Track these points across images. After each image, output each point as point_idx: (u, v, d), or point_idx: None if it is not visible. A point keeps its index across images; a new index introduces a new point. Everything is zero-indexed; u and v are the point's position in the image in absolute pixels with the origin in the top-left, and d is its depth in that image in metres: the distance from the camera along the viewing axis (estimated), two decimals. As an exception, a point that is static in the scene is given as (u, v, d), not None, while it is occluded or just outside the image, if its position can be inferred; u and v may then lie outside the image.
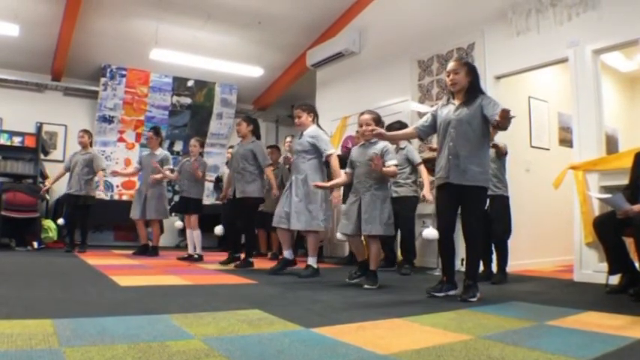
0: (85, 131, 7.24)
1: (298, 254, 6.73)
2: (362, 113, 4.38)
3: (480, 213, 3.58)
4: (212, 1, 7.52)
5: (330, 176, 5.02)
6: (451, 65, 3.61)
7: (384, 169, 4.06)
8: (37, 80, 8.73)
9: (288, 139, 7.07)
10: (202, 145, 6.73)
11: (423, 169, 5.48)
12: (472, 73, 3.59)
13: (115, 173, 7.37)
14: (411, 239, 5.52)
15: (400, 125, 5.68)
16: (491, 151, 4.52)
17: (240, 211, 5.63)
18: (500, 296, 3.62)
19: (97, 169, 6.98)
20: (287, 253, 5.04)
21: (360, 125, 4.28)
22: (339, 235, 5.46)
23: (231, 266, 5.53)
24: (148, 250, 6.78)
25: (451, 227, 3.57)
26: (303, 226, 4.78)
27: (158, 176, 6.58)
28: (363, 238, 4.36)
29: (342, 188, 5.70)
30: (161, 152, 6.85)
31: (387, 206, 4.17)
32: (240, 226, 5.81)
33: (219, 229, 6.47)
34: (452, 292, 3.53)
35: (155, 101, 9.33)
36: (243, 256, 5.64)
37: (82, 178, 6.86)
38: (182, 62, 8.56)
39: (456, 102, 3.60)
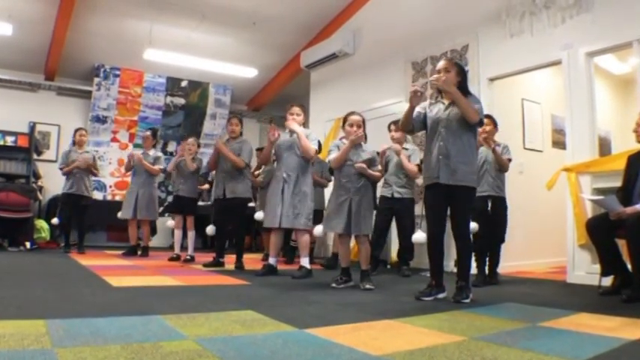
0: (85, 130, 7.22)
1: (294, 258, 6.71)
2: (350, 113, 4.38)
3: (469, 213, 3.56)
4: (206, 1, 7.50)
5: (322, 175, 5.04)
6: (442, 63, 3.58)
7: (371, 171, 4.23)
8: (31, 80, 8.68)
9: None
10: (198, 145, 6.71)
11: (413, 168, 5.36)
12: (462, 73, 3.58)
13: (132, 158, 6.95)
14: (411, 241, 5.49)
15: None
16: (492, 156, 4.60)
17: (232, 211, 5.60)
18: (493, 297, 3.63)
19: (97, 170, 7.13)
20: (272, 260, 5.00)
21: (351, 125, 4.28)
22: (316, 231, 5.44)
23: (224, 267, 5.50)
24: (137, 251, 6.78)
25: (441, 229, 3.55)
26: (293, 225, 4.79)
27: (147, 165, 6.62)
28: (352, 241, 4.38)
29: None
30: (154, 153, 6.86)
31: (371, 208, 4.32)
32: (232, 227, 5.77)
33: (210, 229, 6.34)
34: (440, 296, 3.52)
35: (149, 101, 9.30)
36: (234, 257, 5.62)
37: (84, 178, 6.87)
38: (176, 62, 8.53)
39: (446, 101, 3.58)
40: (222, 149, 5.49)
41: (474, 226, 4.27)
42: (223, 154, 5.51)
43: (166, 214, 8.24)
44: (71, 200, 6.83)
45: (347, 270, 4.29)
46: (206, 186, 8.39)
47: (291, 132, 4.95)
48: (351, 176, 4.21)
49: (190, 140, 6.62)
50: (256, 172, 6.93)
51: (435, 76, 3.49)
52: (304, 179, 4.87)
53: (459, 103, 3.39)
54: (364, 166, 4.17)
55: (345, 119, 4.38)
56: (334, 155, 4.27)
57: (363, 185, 4.20)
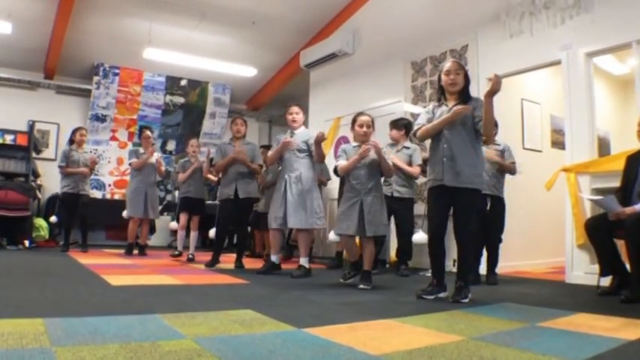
0: (85, 129, 7.27)
1: (293, 255, 6.72)
2: (359, 114, 4.37)
3: (473, 215, 3.55)
4: (206, 0, 7.49)
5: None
6: (451, 65, 3.56)
7: (387, 162, 4.26)
8: (30, 78, 8.67)
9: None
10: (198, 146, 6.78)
11: (416, 170, 5.40)
12: (467, 76, 3.61)
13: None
14: (410, 240, 5.49)
15: (408, 122, 5.66)
16: (491, 154, 4.62)
17: (245, 211, 5.69)
18: (492, 297, 3.63)
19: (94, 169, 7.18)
20: (274, 257, 5.04)
21: (361, 126, 4.26)
22: (332, 237, 5.43)
23: (221, 266, 5.50)
24: (133, 249, 6.79)
25: (442, 230, 3.54)
26: (299, 225, 4.80)
27: (161, 168, 6.86)
28: (356, 238, 4.36)
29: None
30: (156, 153, 6.90)
31: (385, 206, 4.26)
32: (241, 226, 5.85)
33: (213, 233, 6.22)
34: (441, 295, 3.52)
35: (148, 100, 9.30)
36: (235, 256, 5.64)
37: (84, 176, 6.90)
38: (175, 61, 8.53)
39: (449, 103, 3.57)
40: (248, 164, 5.50)
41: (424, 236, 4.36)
42: (248, 167, 5.52)
43: (165, 213, 8.21)
44: (73, 199, 6.82)
45: (355, 264, 4.33)
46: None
47: (292, 133, 5.00)
48: (360, 177, 4.19)
49: (193, 141, 6.65)
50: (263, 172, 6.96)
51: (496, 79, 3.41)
52: (308, 179, 4.88)
53: (488, 115, 3.39)
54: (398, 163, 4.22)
55: (354, 120, 4.36)
56: (342, 164, 4.26)
57: (374, 185, 4.19)
